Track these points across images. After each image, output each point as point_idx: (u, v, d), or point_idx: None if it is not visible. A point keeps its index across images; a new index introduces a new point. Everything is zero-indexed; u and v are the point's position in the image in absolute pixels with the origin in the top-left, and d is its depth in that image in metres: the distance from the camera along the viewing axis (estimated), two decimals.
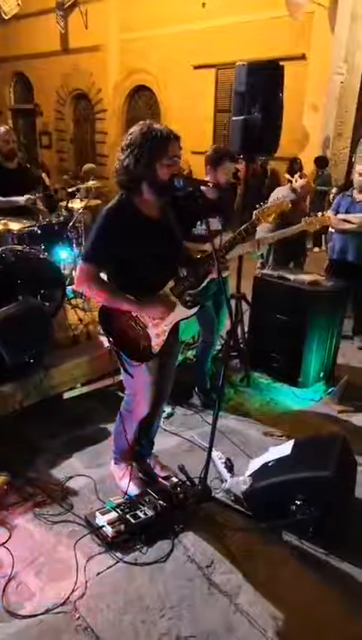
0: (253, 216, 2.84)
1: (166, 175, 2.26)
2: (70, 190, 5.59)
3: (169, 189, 2.31)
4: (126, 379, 2.64)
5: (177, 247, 2.52)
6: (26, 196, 4.06)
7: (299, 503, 2.53)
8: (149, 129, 2.24)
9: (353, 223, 4.66)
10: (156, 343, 2.51)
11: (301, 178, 9.83)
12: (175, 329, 2.62)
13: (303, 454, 2.83)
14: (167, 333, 2.53)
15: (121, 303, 2.36)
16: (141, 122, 2.32)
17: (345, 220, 4.73)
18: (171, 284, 2.47)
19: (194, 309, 2.59)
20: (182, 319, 2.60)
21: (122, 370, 2.59)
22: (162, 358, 2.64)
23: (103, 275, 2.44)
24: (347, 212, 4.78)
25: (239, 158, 3.29)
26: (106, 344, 2.54)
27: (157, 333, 2.49)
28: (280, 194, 5.49)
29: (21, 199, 4.05)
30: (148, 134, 2.23)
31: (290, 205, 2.82)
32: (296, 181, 9.95)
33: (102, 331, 2.51)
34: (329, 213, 4.94)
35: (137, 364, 2.51)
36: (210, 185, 2.83)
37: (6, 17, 13.98)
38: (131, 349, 2.48)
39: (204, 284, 3.10)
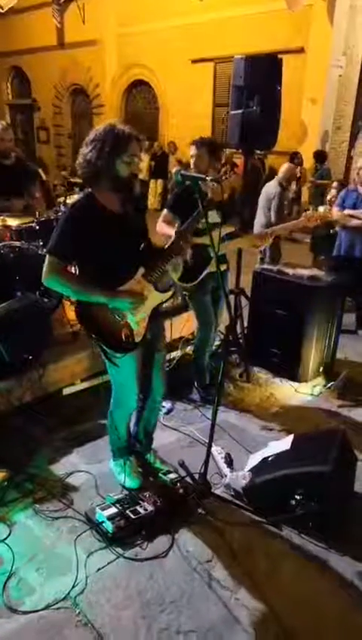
0: (209, 194, 2.88)
1: (125, 172, 2.35)
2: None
3: (127, 186, 2.39)
4: (111, 372, 2.65)
5: (140, 237, 2.57)
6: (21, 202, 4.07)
7: (298, 497, 2.53)
8: (113, 127, 2.34)
9: (360, 219, 4.64)
10: (137, 332, 2.51)
11: (300, 173, 9.86)
12: (155, 318, 2.63)
13: (303, 449, 2.83)
14: (146, 321, 2.54)
15: (91, 295, 2.39)
16: (107, 122, 2.41)
17: (351, 216, 4.70)
18: (142, 270, 2.50)
19: (169, 293, 2.63)
20: (159, 304, 2.61)
21: (107, 363, 2.60)
22: (148, 348, 2.65)
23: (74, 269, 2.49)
24: (354, 208, 4.75)
25: (198, 142, 3.36)
26: (90, 340, 2.55)
27: (136, 321, 2.50)
28: (269, 188, 5.57)
29: (18, 205, 4.04)
30: (111, 132, 2.32)
31: (238, 183, 2.92)
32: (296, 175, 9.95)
33: (82, 328, 2.53)
34: (335, 208, 4.92)
35: (121, 355, 2.51)
36: (208, 179, 2.82)
37: (2, 11, 13.88)
38: (113, 340, 2.49)
39: (200, 278, 3.09)
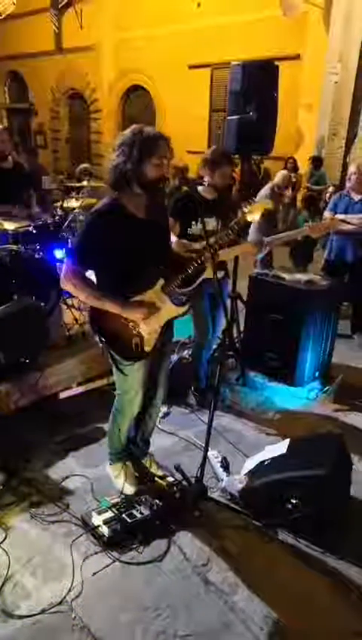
0: (239, 215, 2.86)
1: (154, 174, 2.29)
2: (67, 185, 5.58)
3: (157, 188, 2.34)
4: (118, 378, 2.64)
5: (165, 246, 2.55)
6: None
7: (295, 501, 2.54)
8: (140, 130, 2.30)
9: (352, 224, 4.66)
10: (148, 342, 2.51)
11: (295, 179, 9.93)
12: (168, 327, 2.63)
13: (299, 453, 2.84)
14: (159, 332, 2.54)
15: (105, 304, 2.36)
16: (133, 125, 2.36)
17: (343, 221, 4.72)
18: (162, 282, 2.48)
19: (185, 307, 2.61)
20: (173, 317, 2.61)
21: (114, 369, 2.60)
22: (155, 356, 2.65)
23: (92, 275, 2.46)
24: (345, 212, 4.77)
25: (236, 160, 3.29)
26: (99, 344, 2.53)
27: (149, 331, 2.49)
28: (261, 192, 5.61)
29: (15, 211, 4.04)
30: (138, 134, 2.28)
31: (272, 205, 2.87)
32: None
33: (92, 331, 2.51)
34: (327, 213, 4.95)
35: (129, 363, 2.51)
36: (206, 184, 2.83)
37: (0, 17, 13.91)
38: (123, 347, 2.48)
39: (196, 283, 3.11)
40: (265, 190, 5.74)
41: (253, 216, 2.86)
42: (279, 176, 6.00)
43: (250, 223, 2.92)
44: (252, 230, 5.74)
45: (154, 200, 2.43)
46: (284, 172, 6.22)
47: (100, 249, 2.30)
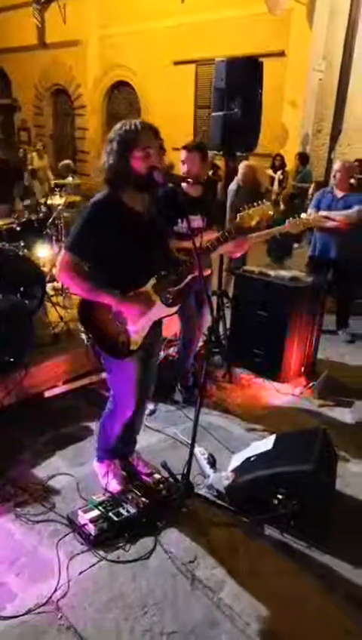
0: (237, 219, 2.84)
1: (141, 167, 2.25)
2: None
3: (148, 182, 2.29)
4: (110, 378, 2.63)
5: (161, 243, 2.53)
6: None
7: (280, 496, 2.55)
8: (121, 124, 2.26)
9: (335, 221, 4.68)
10: (134, 340, 2.50)
11: (283, 175, 9.96)
12: (157, 326, 2.62)
13: (284, 449, 2.85)
14: (146, 331, 2.52)
15: (101, 296, 2.34)
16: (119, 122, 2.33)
17: (326, 217, 4.73)
18: (153, 281, 2.47)
19: (175, 308, 2.59)
20: (163, 317, 2.59)
21: (106, 370, 2.58)
22: (144, 355, 2.64)
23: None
24: (328, 209, 4.79)
25: (190, 147, 3.25)
26: (85, 340, 2.51)
27: (136, 329, 2.48)
28: (231, 187, 5.55)
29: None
30: (119, 129, 2.25)
31: (272, 211, 2.85)
32: (278, 178, 10.09)
33: (80, 326, 2.48)
34: (310, 210, 4.97)
35: (114, 359, 2.50)
36: (190, 181, 2.81)
37: None
38: (109, 343, 2.47)
39: (185, 282, 3.10)
40: (232, 185, 5.65)
41: (253, 220, 2.83)
42: (241, 169, 5.86)
43: (251, 227, 2.88)
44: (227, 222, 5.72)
45: (151, 193, 2.40)
46: (243, 163, 6.08)
47: (98, 240, 2.27)
